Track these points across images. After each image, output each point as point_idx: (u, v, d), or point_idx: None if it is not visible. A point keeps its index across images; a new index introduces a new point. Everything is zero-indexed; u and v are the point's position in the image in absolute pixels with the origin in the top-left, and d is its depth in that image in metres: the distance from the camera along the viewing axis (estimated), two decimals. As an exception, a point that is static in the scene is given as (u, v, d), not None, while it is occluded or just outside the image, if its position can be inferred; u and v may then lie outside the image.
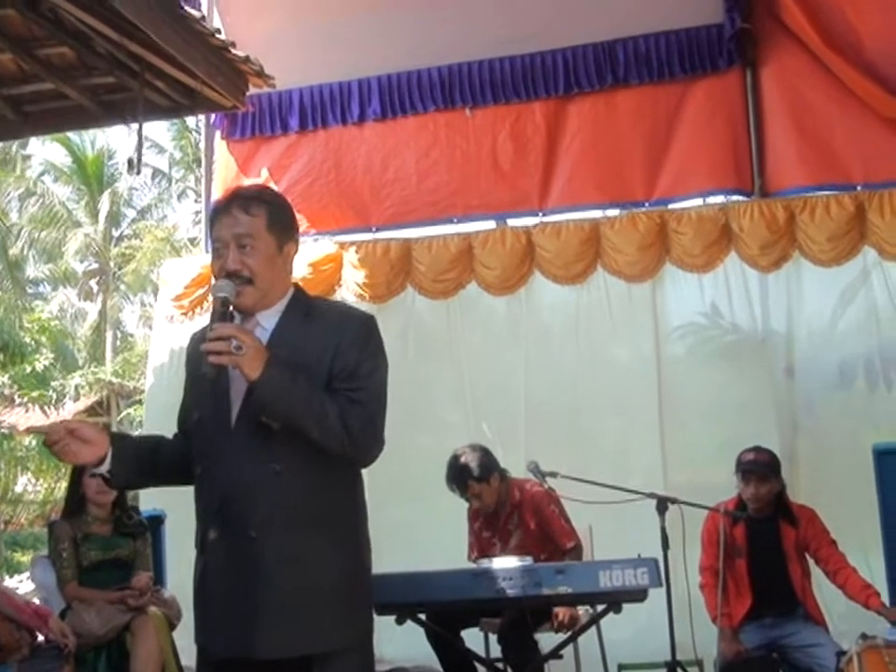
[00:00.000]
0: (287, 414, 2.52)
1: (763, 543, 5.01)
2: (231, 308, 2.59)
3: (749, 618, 4.94)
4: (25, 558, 12.46)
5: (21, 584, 6.71)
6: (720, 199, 6.69)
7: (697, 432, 6.54)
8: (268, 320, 2.66)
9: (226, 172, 7.31)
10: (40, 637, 4.28)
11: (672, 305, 6.76)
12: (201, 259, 7.23)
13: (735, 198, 6.65)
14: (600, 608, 4.63)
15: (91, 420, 20.61)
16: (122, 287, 25.04)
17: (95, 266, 25.27)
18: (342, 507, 2.69)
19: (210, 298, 2.67)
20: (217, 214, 2.68)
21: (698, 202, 6.70)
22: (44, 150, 25.43)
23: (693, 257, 6.50)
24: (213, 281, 2.70)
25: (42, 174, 25.22)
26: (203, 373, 2.51)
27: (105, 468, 2.62)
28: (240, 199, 2.68)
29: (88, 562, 4.60)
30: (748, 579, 4.99)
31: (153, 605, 4.50)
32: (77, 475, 4.79)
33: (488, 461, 5.17)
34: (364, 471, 6.66)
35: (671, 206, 6.71)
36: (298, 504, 2.57)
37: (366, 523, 2.78)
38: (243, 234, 2.60)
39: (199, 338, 2.78)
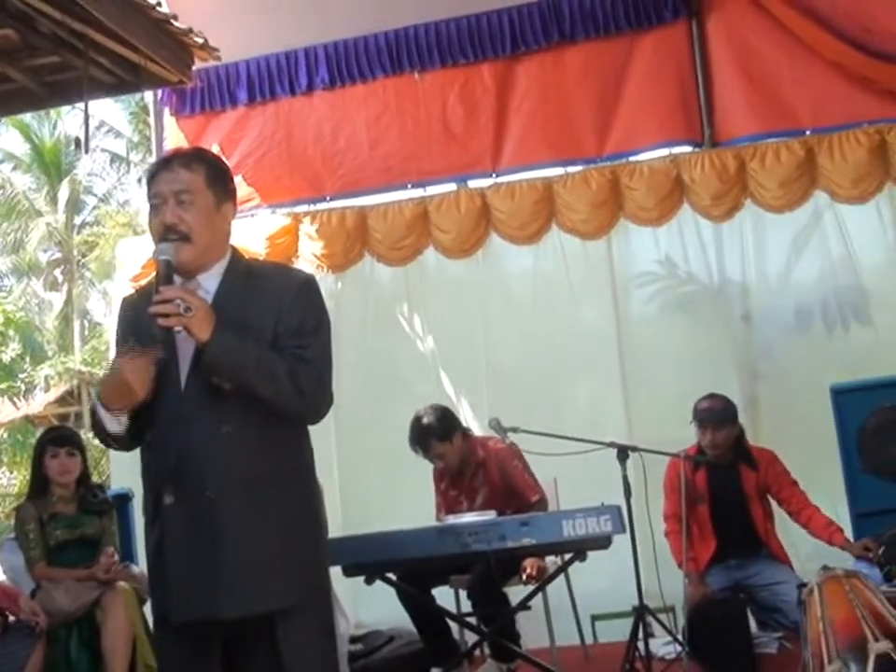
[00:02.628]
0: (238, 374, 2.54)
1: (725, 488, 5.09)
2: (173, 272, 2.58)
3: (714, 561, 5.04)
4: (2, 550, 12.36)
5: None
6: (671, 151, 6.69)
7: (659, 385, 6.60)
8: (209, 282, 2.67)
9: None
10: (11, 618, 4.28)
11: (628, 260, 6.78)
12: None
13: (686, 149, 6.67)
14: (567, 557, 4.68)
15: (62, 410, 20.54)
16: (87, 275, 24.84)
17: (59, 255, 25.07)
18: (294, 464, 2.70)
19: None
20: (157, 171, 2.69)
21: (650, 154, 6.70)
22: (1, 140, 25.05)
23: (647, 211, 6.52)
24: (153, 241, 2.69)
25: (0, 162, 24.95)
26: (153, 336, 2.51)
27: (124, 421, 2.61)
28: (180, 156, 2.72)
29: (55, 541, 4.59)
30: (711, 523, 5.08)
31: (122, 580, 4.51)
32: (39, 457, 4.77)
33: (449, 421, 5.20)
34: (333, 440, 6.70)
35: (623, 161, 6.70)
36: (252, 463, 2.58)
37: (316, 480, 2.79)
38: (182, 190, 2.62)
39: (133, 303, 2.79)
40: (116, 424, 2.62)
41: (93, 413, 2.66)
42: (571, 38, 6.81)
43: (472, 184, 7.00)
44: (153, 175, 2.69)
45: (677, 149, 6.73)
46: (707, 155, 6.46)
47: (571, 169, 6.78)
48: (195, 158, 2.72)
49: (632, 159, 6.74)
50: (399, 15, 6.91)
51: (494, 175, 6.91)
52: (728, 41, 6.69)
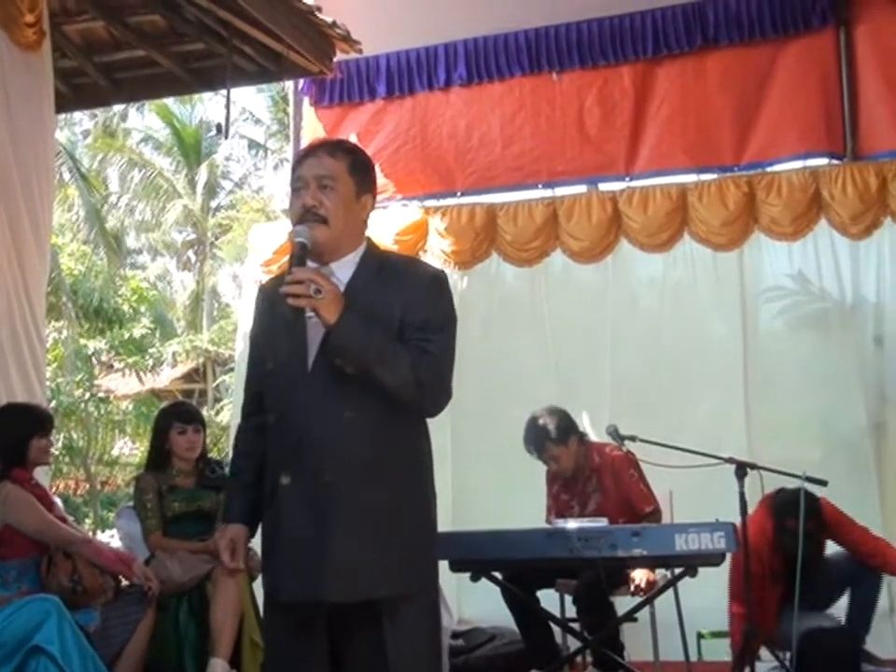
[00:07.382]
0: (361, 360, 2.57)
1: None
2: (307, 257, 2.64)
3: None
4: (120, 517, 12.73)
5: (113, 539, 6.91)
6: (810, 162, 6.50)
7: (783, 403, 6.44)
8: (342, 271, 2.71)
9: (314, 138, 7.35)
10: (124, 582, 4.39)
11: (759, 273, 6.63)
12: (289, 225, 7.29)
13: (825, 161, 6.46)
14: (677, 571, 4.60)
15: (187, 386, 21.08)
16: (219, 256, 25.43)
17: (193, 236, 25.75)
18: (410, 455, 2.73)
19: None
20: (303, 157, 2.78)
21: (788, 165, 6.52)
22: (144, 122, 25.82)
23: (783, 226, 6.38)
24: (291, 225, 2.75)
25: (141, 143, 25.71)
26: (282, 315, 2.57)
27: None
28: (326, 145, 2.82)
29: (171, 513, 4.69)
30: None
31: (234, 556, 4.57)
32: (164, 431, 4.88)
33: (566, 424, 5.16)
34: (448, 435, 6.70)
35: (760, 170, 6.54)
36: (370, 450, 2.62)
37: (432, 473, 2.79)
38: (324, 175, 2.69)
39: (269, 288, 2.86)
40: None
41: None
42: (714, 43, 6.67)
43: (603, 186, 6.94)
44: (298, 161, 2.78)
45: (815, 161, 6.52)
46: (847, 169, 6.25)
47: (705, 177, 6.66)
48: (341, 147, 2.81)
49: (769, 169, 6.58)
50: (539, 14, 6.88)
51: (627, 179, 6.82)
52: (876, 52, 6.43)
